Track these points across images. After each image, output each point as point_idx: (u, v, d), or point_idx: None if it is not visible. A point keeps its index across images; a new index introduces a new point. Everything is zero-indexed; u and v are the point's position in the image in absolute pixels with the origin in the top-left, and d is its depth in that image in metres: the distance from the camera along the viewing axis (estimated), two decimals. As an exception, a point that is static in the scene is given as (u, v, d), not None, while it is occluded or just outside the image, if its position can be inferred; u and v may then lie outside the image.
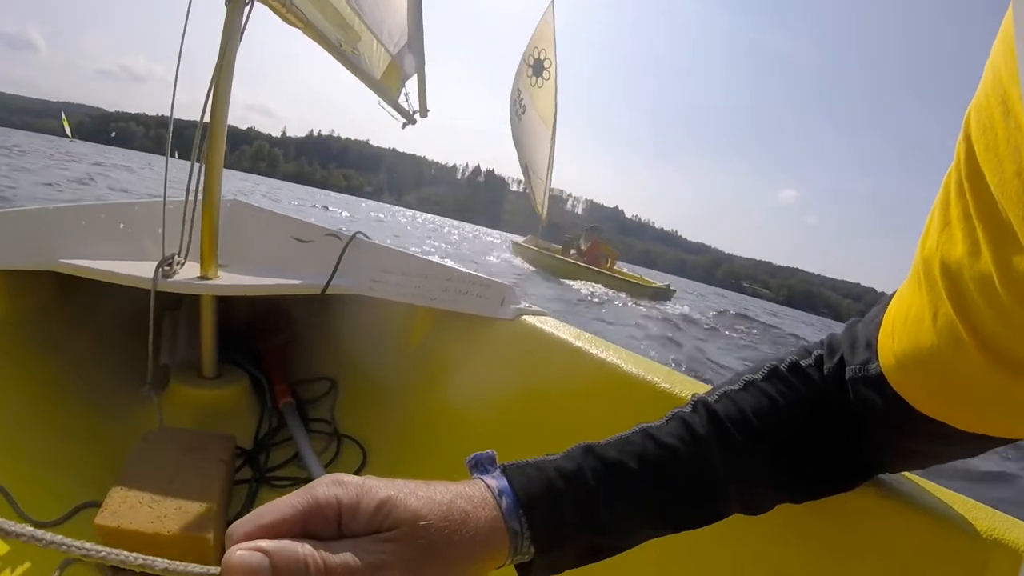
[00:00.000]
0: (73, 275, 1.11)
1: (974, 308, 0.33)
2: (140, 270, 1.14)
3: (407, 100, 1.72)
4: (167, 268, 1.15)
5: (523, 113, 11.45)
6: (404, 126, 1.73)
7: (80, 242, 1.19)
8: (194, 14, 1.12)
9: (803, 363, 0.49)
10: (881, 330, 0.43)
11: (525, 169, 11.95)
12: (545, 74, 11.48)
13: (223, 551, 0.29)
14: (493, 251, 14.57)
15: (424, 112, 1.77)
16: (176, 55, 1.16)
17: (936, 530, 0.50)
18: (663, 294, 11.66)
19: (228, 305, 1.41)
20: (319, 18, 1.32)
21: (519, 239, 14.15)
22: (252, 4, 1.13)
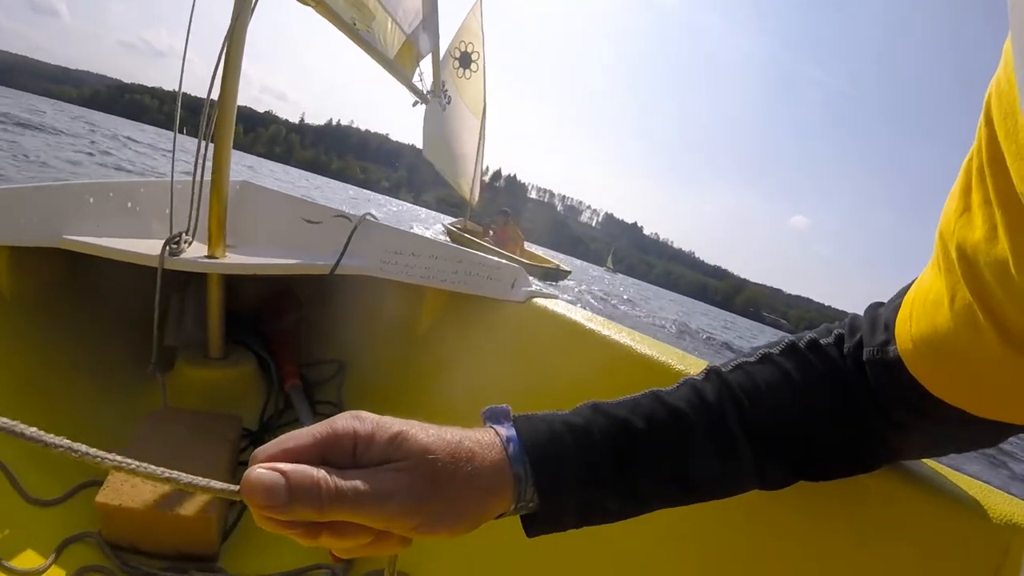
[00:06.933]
0: (79, 253, 1.10)
1: (990, 292, 0.33)
2: (147, 248, 1.12)
3: (421, 80, 1.69)
4: (174, 246, 1.13)
5: (448, 103, 11.82)
6: (415, 104, 1.71)
7: (86, 220, 1.18)
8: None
9: (822, 341, 0.48)
10: (899, 313, 0.43)
11: (437, 151, 12.32)
12: (473, 66, 11.98)
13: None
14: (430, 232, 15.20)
15: (438, 92, 1.74)
16: (195, 30, 1.15)
17: (956, 516, 0.49)
18: (554, 274, 12.26)
19: (236, 286, 1.40)
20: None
21: (448, 221, 15.59)
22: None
